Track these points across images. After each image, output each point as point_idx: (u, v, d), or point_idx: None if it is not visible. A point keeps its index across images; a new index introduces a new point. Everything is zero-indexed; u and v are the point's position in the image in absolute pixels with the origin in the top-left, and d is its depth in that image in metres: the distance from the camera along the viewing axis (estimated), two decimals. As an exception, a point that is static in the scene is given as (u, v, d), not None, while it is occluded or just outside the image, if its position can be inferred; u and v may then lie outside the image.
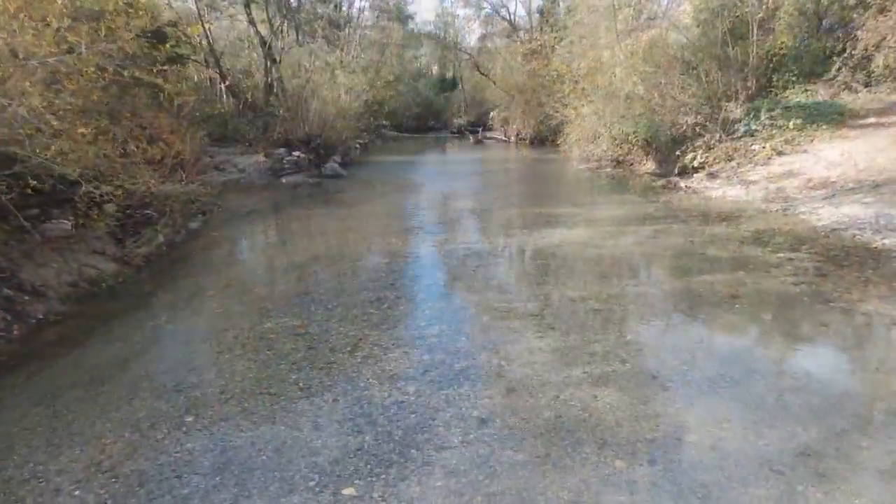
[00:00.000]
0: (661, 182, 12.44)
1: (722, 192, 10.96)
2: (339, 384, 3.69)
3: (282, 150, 17.22)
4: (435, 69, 50.46)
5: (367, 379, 3.75)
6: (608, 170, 15.75)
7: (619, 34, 18.60)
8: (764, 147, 12.46)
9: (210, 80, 22.13)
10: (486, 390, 3.59)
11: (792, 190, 10.23)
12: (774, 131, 12.77)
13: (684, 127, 13.30)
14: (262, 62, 21.43)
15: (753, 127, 12.87)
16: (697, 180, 12.24)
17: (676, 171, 12.90)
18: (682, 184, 12.12)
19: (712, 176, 12.22)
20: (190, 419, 3.31)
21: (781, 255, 6.53)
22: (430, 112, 42.74)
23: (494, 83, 34.49)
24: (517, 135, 28.71)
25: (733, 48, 15.06)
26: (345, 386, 3.67)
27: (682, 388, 3.58)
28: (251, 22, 22.16)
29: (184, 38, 20.95)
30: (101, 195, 6.07)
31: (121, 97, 11.46)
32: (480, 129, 32.22)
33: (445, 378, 3.75)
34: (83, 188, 5.55)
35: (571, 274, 5.98)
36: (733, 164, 12.37)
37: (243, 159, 16.77)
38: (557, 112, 22.11)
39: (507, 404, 3.42)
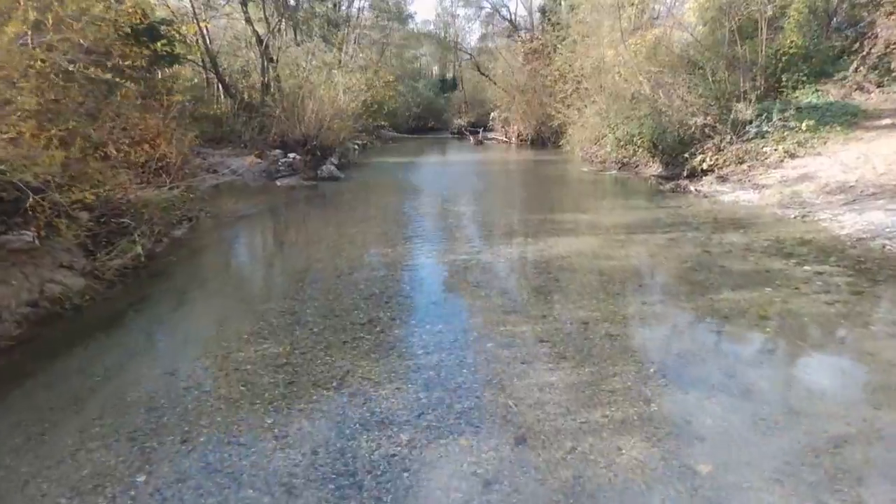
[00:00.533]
0: (669, 185, 11.90)
1: (734, 196, 10.41)
2: (320, 431, 3.16)
3: (277, 151, 16.69)
4: (435, 70, 49.93)
5: (354, 424, 3.21)
6: (613, 172, 15.21)
7: (624, 33, 18.06)
8: (776, 149, 11.92)
9: (207, 79, 21.61)
10: (491, 439, 3.05)
11: (808, 194, 9.69)
12: (786, 133, 12.24)
13: (693, 128, 12.76)
14: (259, 62, 20.90)
15: (765, 128, 12.32)
16: (707, 183, 11.71)
17: (685, 173, 12.36)
18: (692, 187, 11.58)
19: (723, 179, 11.69)
20: (142, 479, 2.77)
21: (808, 268, 5.99)
22: (429, 113, 42.18)
23: (495, 83, 33.96)
24: (518, 136, 28.17)
25: (742, 47, 14.51)
26: (327, 434, 3.13)
27: (719, 436, 3.04)
28: (248, 20, 21.64)
29: (178, 37, 20.48)
30: (71, 203, 5.54)
31: (107, 96, 10.95)
32: (481, 130, 31.68)
33: (444, 423, 3.22)
34: (48, 196, 5.02)
35: (582, 290, 5.45)
36: (744, 166, 11.84)
37: (238, 161, 16.23)
38: (559, 113, 21.58)
39: (516, 459, 2.88)
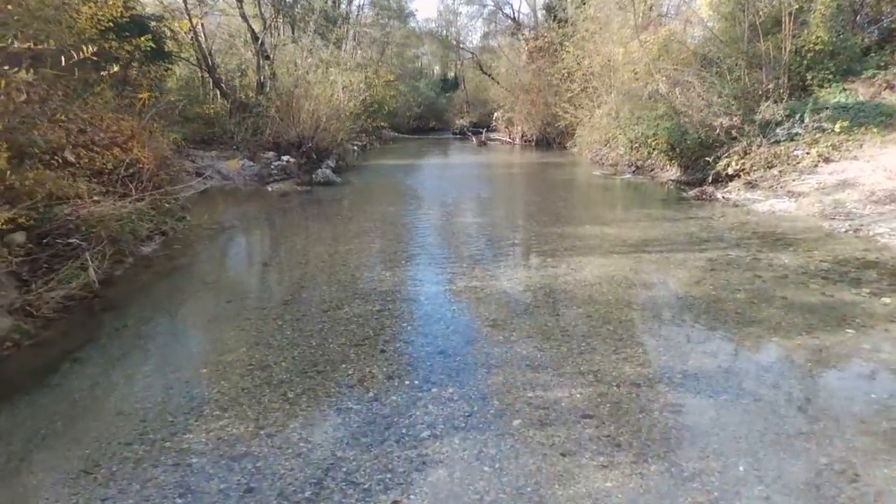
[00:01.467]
0: (693, 192, 10.81)
1: (768, 205, 9.33)
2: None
3: (271, 153, 15.62)
4: (436, 69, 48.81)
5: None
6: (627, 176, 14.12)
7: (638, 28, 16.95)
8: (808, 153, 10.85)
9: (202, 78, 20.52)
10: None
11: (853, 204, 8.61)
12: (818, 135, 11.16)
13: (717, 130, 11.66)
14: (255, 60, 19.82)
15: (795, 130, 11.23)
16: (735, 190, 10.63)
17: (710, 178, 11.27)
18: (719, 194, 10.50)
19: (751, 185, 10.61)
20: None
21: (888, 300, 4.93)
22: (431, 113, 41.08)
23: (498, 83, 32.85)
24: (522, 136, 27.08)
25: (765, 43, 13.42)
26: None
27: None
28: (243, 16, 20.57)
29: (170, 34, 19.39)
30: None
31: (81, 95, 9.90)
32: (484, 131, 30.56)
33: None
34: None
35: (623, 333, 4.37)
36: (774, 171, 10.76)
37: (229, 164, 15.16)
38: (567, 113, 20.48)
39: None
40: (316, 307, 4.96)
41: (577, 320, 4.63)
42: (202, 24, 20.13)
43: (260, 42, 19.94)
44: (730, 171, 11.26)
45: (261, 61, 19.40)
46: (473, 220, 8.85)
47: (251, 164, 15.01)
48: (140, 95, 9.24)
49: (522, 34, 31.76)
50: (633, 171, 14.73)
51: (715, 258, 6.40)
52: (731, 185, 10.96)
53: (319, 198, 11.26)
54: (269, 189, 12.46)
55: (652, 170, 14.46)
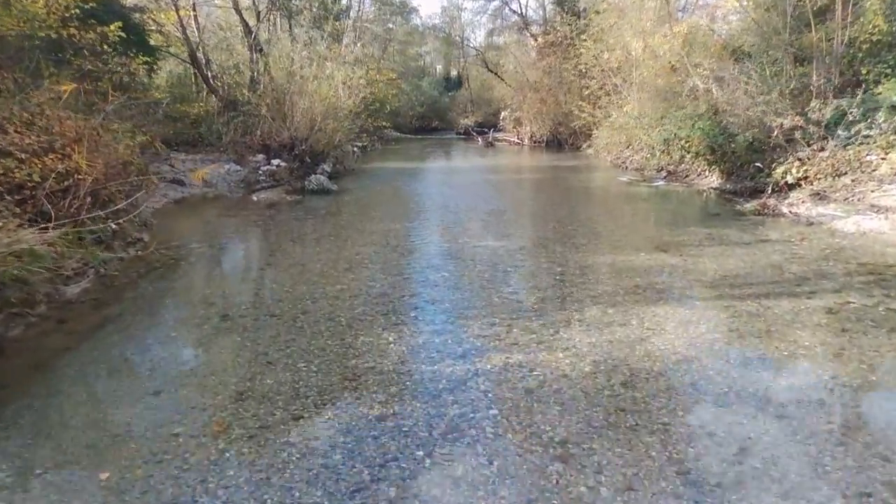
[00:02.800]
0: (750, 205, 8.96)
1: (854, 223, 7.49)
2: None
3: (261, 156, 13.81)
4: (439, 68, 46.93)
5: None
6: (659, 183, 12.30)
7: (670, 16, 15.10)
8: (883, 158, 9.02)
9: (195, 75, 18.67)
10: None
11: (966, 224, 6.81)
12: (893, 137, 9.33)
13: (774, 131, 9.83)
14: (249, 55, 17.97)
15: (868, 132, 9.40)
16: (799, 203, 8.81)
17: (768, 188, 9.43)
18: (784, 208, 8.68)
19: (820, 197, 8.78)
20: None
21: None
22: (433, 112, 39.23)
23: (504, 81, 30.99)
24: (531, 137, 25.23)
25: (815, 34, 11.58)
26: None
27: None
28: (236, 8, 18.73)
29: (154, 26, 17.55)
30: None
31: (25, 89, 8.16)
32: (490, 131, 28.70)
33: None
34: None
35: (796, 481, 2.56)
36: (845, 180, 8.93)
37: (215, 168, 13.34)
38: (583, 112, 18.61)
39: None
40: (281, 411, 3.15)
41: (697, 442, 2.81)
42: (194, 16, 18.37)
43: (253, 36, 18.11)
44: (789, 179, 9.44)
45: (254, 56, 17.55)
46: (497, 243, 7.03)
47: (238, 168, 13.21)
48: (64, 87, 7.38)
49: (529, 31, 29.90)
50: (665, 177, 12.90)
51: (833, 308, 4.58)
52: (793, 196, 9.14)
53: (310, 210, 9.45)
54: (255, 198, 10.64)
55: (686, 175, 12.63)
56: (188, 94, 19.53)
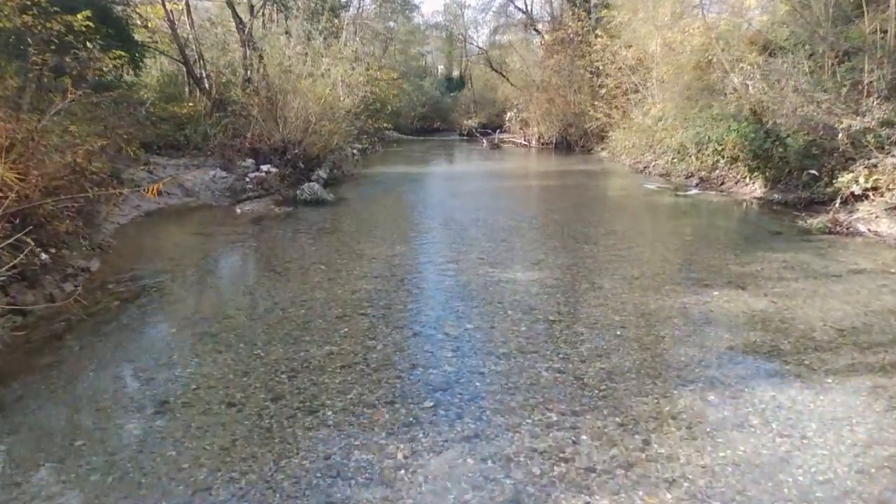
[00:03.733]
0: (817, 221, 7.49)
1: (958, 248, 6.06)
2: None
3: (250, 161, 12.37)
4: (441, 68, 45.46)
5: None
6: (692, 192, 10.85)
7: (685, 13, 13.67)
8: (968, 166, 7.59)
9: (187, 73, 17.20)
10: None
11: None
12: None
13: (840, 133, 8.39)
14: (242, 51, 16.51)
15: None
16: (873, 218, 7.37)
17: (835, 201, 7.98)
18: (860, 225, 7.24)
19: (899, 212, 7.35)
20: None
21: None
22: (435, 113, 37.76)
23: (509, 80, 29.53)
24: (538, 138, 23.77)
25: (867, 24, 10.16)
26: None
27: None
28: (228, 2, 17.30)
29: (136, 20, 16.10)
30: None
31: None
32: (496, 132, 27.26)
33: None
34: None
35: None
36: (926, 192, 7.50)
37: (199, 174, 11.91)
38: (599, 112, 17.16)
39: None
40: None
41: None
42: (186, 10, 16.92)
43: (247, 31, 16.66)
44: (856, 189, 8.00)
45: (247, 52, 16.09)
46: (526, 275, 5.60)
47: (224, 174, 11.77)
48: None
49: (535, 28, 28.44)
50: (697, 184, 11.46)
51: None
52: (863, 209, 7.70)
53: (301, 227, 8.00)
54: (238, 210, 9.20)
55: (722, 183, 11.18)
56: (179, 93, 18.11)
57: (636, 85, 16.01)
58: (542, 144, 23.39)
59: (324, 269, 5.88)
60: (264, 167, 11.51)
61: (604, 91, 17.37)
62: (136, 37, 15.88)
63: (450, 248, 6.78)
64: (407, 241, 7.05)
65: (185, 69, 16.62)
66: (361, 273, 5.67)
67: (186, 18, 16.94)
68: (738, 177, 10.89)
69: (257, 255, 6.47)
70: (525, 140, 24.46)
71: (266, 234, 7.42)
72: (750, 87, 10.68)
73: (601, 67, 17.50)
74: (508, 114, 26.34)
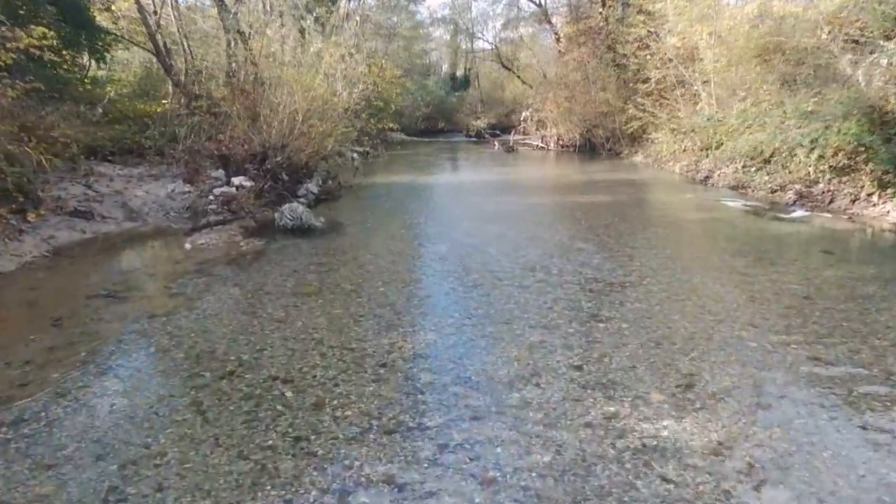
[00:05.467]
0: None
1: None
2: None
3: (222, 171, 9.48)
4: (445, 67, 42.48)
5: None
6: (797, 213, 7.96)
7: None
8: None
9: (167, 68, 14.26)
10: None
11: None
12: None
13: None
14: (226, 39, 13.54)
15: None
16: None
17: None
18: None
19: None
20: None
21: None
22: (440, 113, 34.84)
23: (520, 78, 26.66)
24: (558, 140, 20.88)
25: None
26: None
27: None
28: (210, -13, 14.34)
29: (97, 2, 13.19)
30: None
31: None
32: (512, 133, 24.36)
33: None
34: None
35: None
36: None
37: (153, 188, 9.03)
38: (643, 110, 14.24)
39: None
40: None
41: None
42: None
43: (232, 15, 13.67)
44: None
45: (231, 41, 13.11)
46: (608, 400, 2.78)
47: (186, 189, 8.87)
48: None
49: (550, 21, 25.51)
50: (796, 202, 8.57)
51: None
52: None
53: (266, 281, 5.10)
54: (188, 246, 6.30)
55: (831, 200, 8.29)
56: (155, 90, 15.22)
57: (685, 78, 13.12)
58: (563, 147, 20.50)
59: (290, 399, 2.99)
60: (236, 180, 8.62)
61: (645, 86, 14.45)
62: (102, 22, 13.04)
63: (499, 332, 3.89)
64: (431, 325, 4.15)
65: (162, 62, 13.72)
66: (363, 415, 2.79)
67: (171, 6, 14.10)
68: (856, 193, 8.01)
69: (174, 373, 3.56)
70: (543, 143, 21.55)
71: (203, 305, 4.51)
72: (875, 77, 7.82)
73: (639, 60, 14.58)
74: (524, 113, 23.42)
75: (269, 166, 8.66)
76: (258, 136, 9.07)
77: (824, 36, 8.72)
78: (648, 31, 13.78)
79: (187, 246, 6.27)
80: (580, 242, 6.41)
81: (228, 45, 13.19)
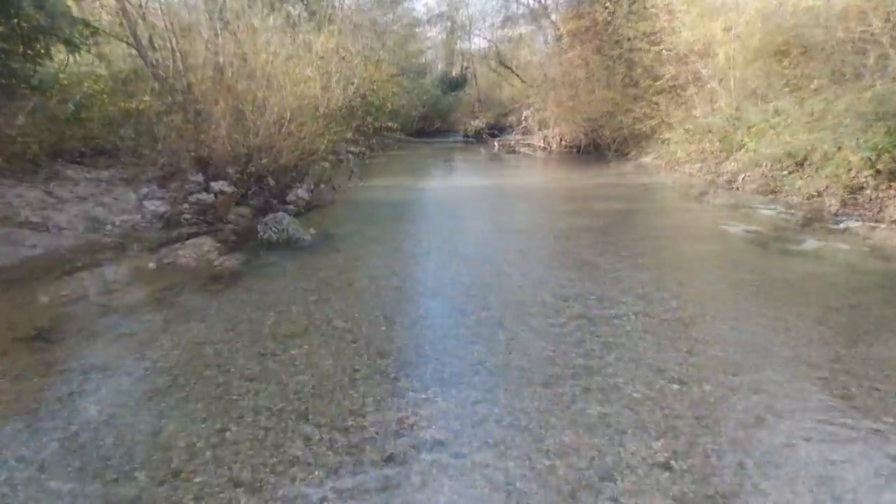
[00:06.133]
0: None
1: None
2: None
3: (202, 176, 8.41)
4: (440, 66, 41.44)
5: None
6: (846, 224, 7.02)
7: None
8: None
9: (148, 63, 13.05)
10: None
11: None
12: None
13: None
14: (209, 31, 12.41)
15: None
16: None
17: None
18: None
19: None
20: None
21: None
22: (436, 113, 33.83)
23: (519, 77, 25.69)
24: (560, 141, 19.92)
25: None
26: None
27: None
28: (194, -25, 13.25)
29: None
30: None
31: None
32: (513, 135, 23.39)
33: None
34: None
35: None
36: None
37: (124, 195, 7.97)
38: (657, 108, 13.30)
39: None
40: None
41: None
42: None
43: (219, 7, 12.56)
44: None
45: (217, 30, 12.00)
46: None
47: (160, 195, 7.82)
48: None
49: (550, 18, 24.54)
50: (839, 212, 7.64)
51: None
52: None
53: (240, 313, 4.10)
54: (152, 265, 5.26)
55: (880, 209, 7.37)
56: (140, 85, 14.06)
57: (701, 75, 12.18)
58: (565, 148, 19.53)
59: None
60: (216, 184, 7.57)
61: (656, 84, 13.50)
62: (81, 14, 11.92)
63: (551, 408, 2.91)
64: (448, 364, 3.18)
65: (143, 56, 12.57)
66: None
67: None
68: (912, 202, 7.08)
69: (86, 458, 2.57)
70: (545, 143, 20.57)
71: (161, 347, 3.50)
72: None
73: (649, 56, 13.61)
74: (524, 113, 22.43)
75: (253, 169, 7.61)
76: (243, 135, 8.03)
77: (877, 24, 7.76)
78: (662, 25, 12.80)
79: (151, 265, 5.23)
80: (594, 273, 5.42)
81: (213, 35, 12.07)
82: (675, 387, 2.95)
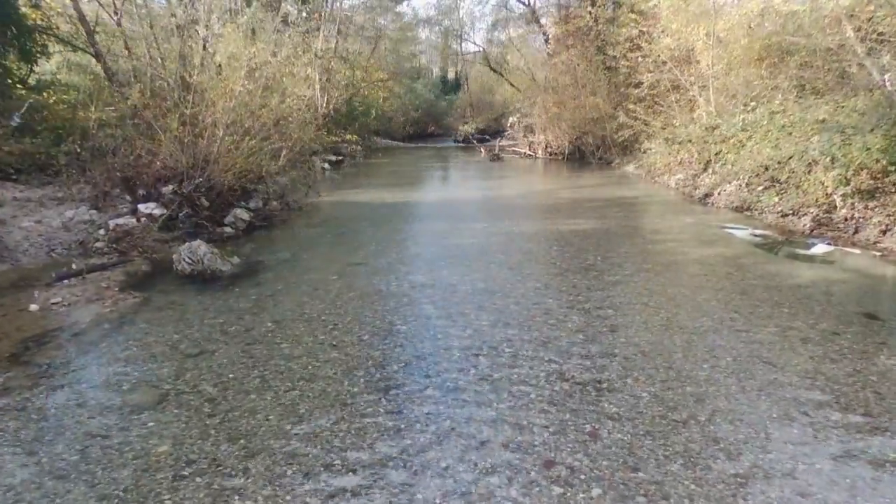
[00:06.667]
0: None
1: None
2: None
3: (142, 192, 7.86)
4: (436, 70, 40.91)
5: None
6: (818, 249, 6.36)
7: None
8: None
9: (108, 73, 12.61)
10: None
11: None
12: None
13: None
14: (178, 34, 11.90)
15: None
16: None
17: None
18: None
19: None
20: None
21: None
22: (429, 117, 33.33)
23: (509, 81, 25.10)
24: (545, 148, 19.30)
25: None
26: None
27: None
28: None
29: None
30: None
31: None
32: (498, 141, 22.82)
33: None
34: None
35: None
36: None
37: (51, 215, 7.43)
38: (635, 117, 12.66)
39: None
40: None
41: None
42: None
43: (184, 14, 12.07)
44: None
45: (185, 35, 11.53)
46: None
47: (87, 218, 7.27)
48: None
49: (539, 22, 23.92)
50: (813, 231, 6.99)
51: None
52: None
53: (109, 375, 3.54)
54: (34, 307, 4.69)
55: (855, 230, 6.72)
56: (95, 95, 13.54)
57: (681, 82, 11.54)
58: (551, 155, 18.92)
59: None
60: (146, 206, 7.01)
61: (637, 91, 12.86)
62: (36, 21, 11.44)
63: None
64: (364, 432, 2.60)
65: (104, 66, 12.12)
66: None
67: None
68: (887, 222, 6.44)
69: None
70: (531, 150, 19.95)
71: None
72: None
73: (630, 62, 12.98)
74: (511, 119, 21.83)
75: (184, 191, 7.06)
76: (178, 152, 7.47)
77: (850, 34, 7.11)
78: (640, 31, 12.17)
79: (33, 307, 4.67)
80: (550, 299, 4.82)
81: (185, 39, 11.56)
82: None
